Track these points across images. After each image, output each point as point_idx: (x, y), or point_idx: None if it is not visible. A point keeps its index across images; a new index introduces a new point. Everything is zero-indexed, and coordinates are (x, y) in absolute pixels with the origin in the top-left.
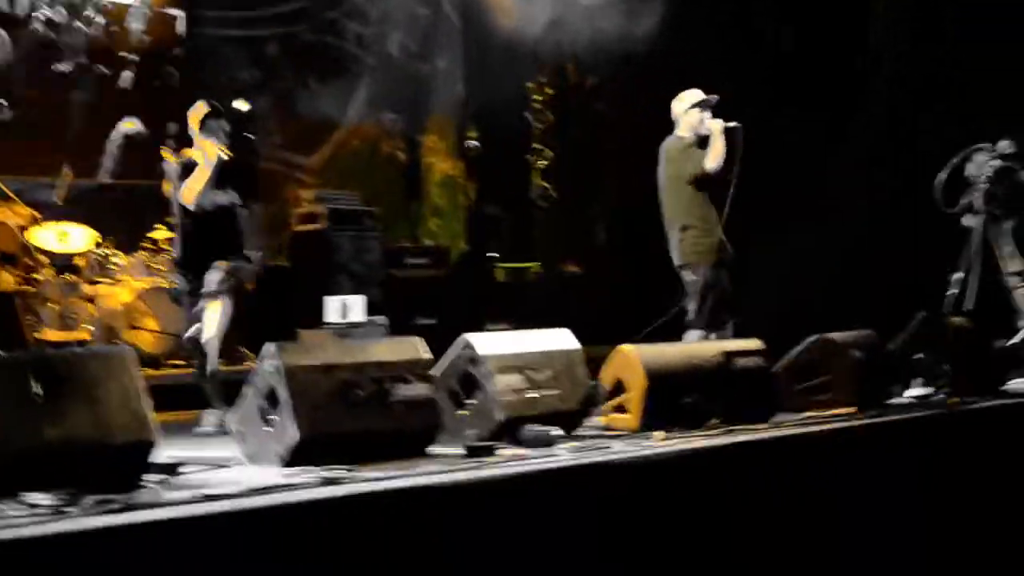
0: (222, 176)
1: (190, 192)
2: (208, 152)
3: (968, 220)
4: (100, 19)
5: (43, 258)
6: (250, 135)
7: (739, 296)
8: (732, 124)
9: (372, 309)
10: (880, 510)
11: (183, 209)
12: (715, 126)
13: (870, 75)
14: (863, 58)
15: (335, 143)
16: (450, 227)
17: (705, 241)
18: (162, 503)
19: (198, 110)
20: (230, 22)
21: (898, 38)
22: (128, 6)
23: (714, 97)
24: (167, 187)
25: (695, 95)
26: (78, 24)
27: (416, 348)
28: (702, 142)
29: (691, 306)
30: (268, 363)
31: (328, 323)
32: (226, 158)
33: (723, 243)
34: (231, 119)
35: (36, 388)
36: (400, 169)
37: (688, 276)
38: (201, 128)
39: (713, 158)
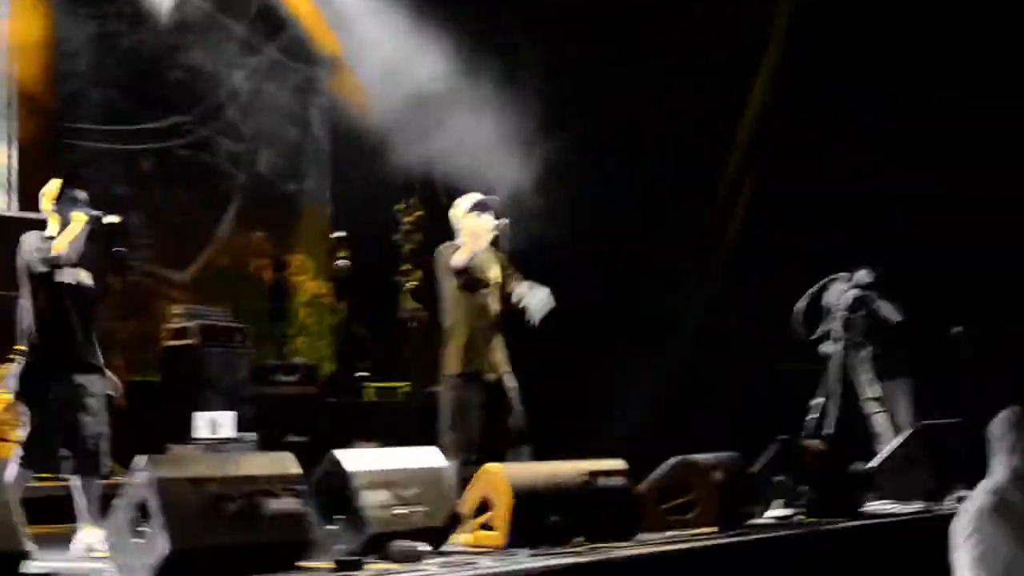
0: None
1: (61, 243)
2: (75, 220)
3: (827, 347)
4: None
5: None
6: (121, 248)
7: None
8: (499, 221)
9: (243, 425)
10: None
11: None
12: (485, 225)
13: (731, 204)
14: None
15: (205, 259)
16: (317, 347)
17: (470, 356)
18: None
19: (52, 187)
20: (105, 135)
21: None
22: None
23: (494, 198)
24: None
25: (472, 197)
26: None
27: (286, 463)
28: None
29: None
30: (139, 475)
31: (197, 439)
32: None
33: (494, 358)
34: (103, 233)
35: None
36: (266, 288)
37: (447, 396)
38: (59, 202)
39: (461, 254)
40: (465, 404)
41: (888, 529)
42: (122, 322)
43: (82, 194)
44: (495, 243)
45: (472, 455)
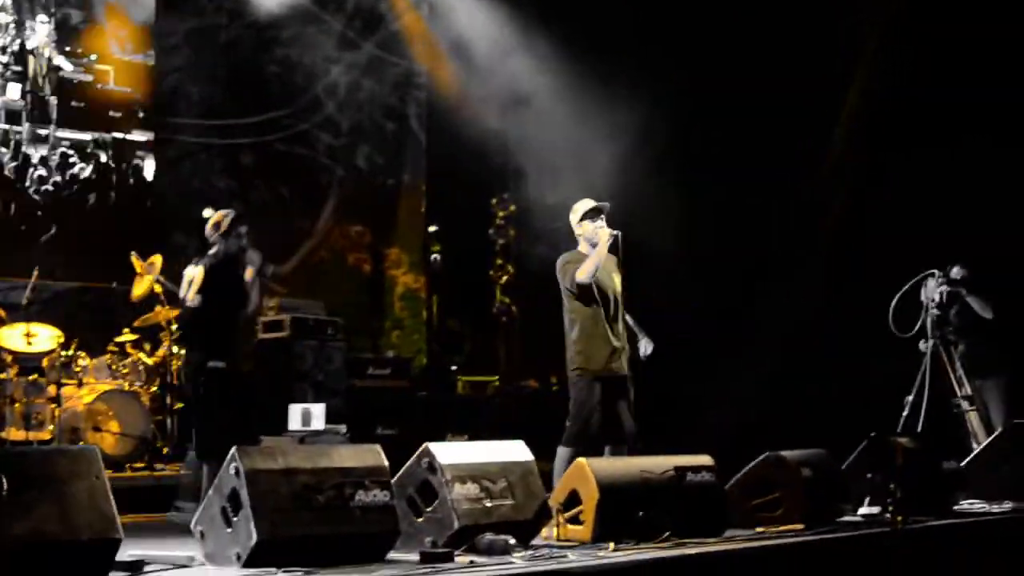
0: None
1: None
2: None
3: (922, 344)
4: None
5: (8, 357)
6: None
7: (649, 421)
8: (614, 232)
9: (334, 418)
10: None
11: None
12: (603, 235)
13: (825, 206)
14: (819, 177)
15: (304, 252)
16: (411, 340)
17: (590, 357)
18: None
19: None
20: (203, 130)
21: (854, 149)
22: None
23: (605, 204)
24: (137, 292)
25: (585, 204)
26: None
27: (376, 455)
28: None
29: (568, 422)
30: (231, 466)
31: (290, 430)
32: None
33: (615, 360)
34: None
35: (4, 483)
36: (364, 281)
37: (572, 392)
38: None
39: (584, 269)
40: (586, 401)
41: (979, 528)
42: None
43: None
44: (612, 251)
45: (588, 448)
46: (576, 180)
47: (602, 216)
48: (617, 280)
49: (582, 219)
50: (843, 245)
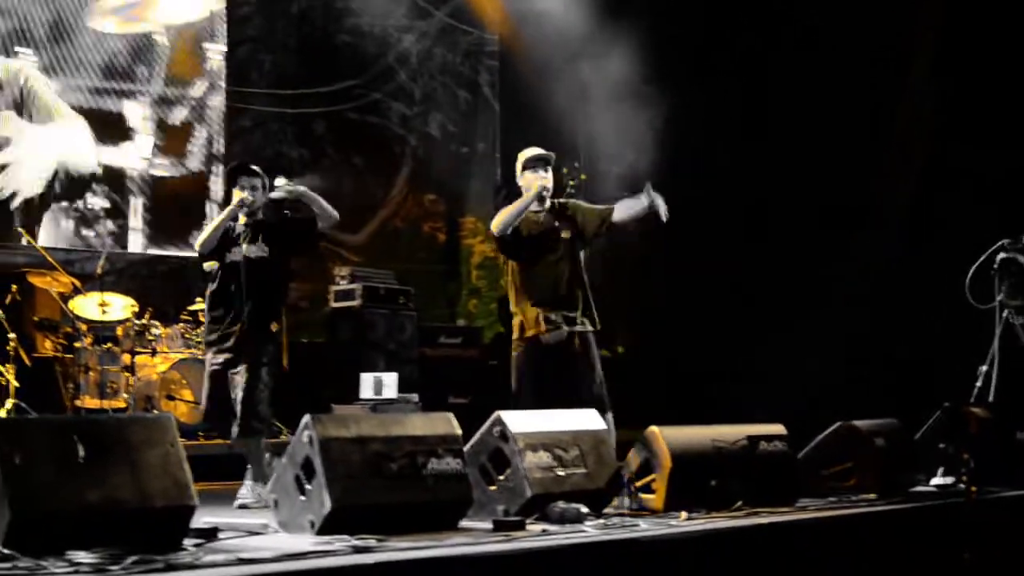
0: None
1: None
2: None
3: (1012, 317)
4: None
5: (83, 326)
6: (287, 211)
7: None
8: (544, 184)
9: (405, 386)
10: None
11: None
12: (534, 185)
13: (895, 161)
14: (888, 145)
15: (379, 221)
16: (488, 309)
17: (526, 320)
18: (200, 565)
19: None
20: (275, 99)
21: (925, 124)
22: None
23: (550, 154)
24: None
25: (529, 152)
26: None
27: (448, 423)
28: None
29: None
30: (304, 434)
31: (362, 399)
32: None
33: (553, 322)
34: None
35: (81, 451)
36: (440, 250)
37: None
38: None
39: (499, 218)
40: (525, 373)
41: None
42: (295, 284)
43: (253, 183)
44: (544, 200)
45: None
46: (642, 149)
47: (547, 167)
48: (565, 234)
49: (524, 169)
50: (919, 211)
